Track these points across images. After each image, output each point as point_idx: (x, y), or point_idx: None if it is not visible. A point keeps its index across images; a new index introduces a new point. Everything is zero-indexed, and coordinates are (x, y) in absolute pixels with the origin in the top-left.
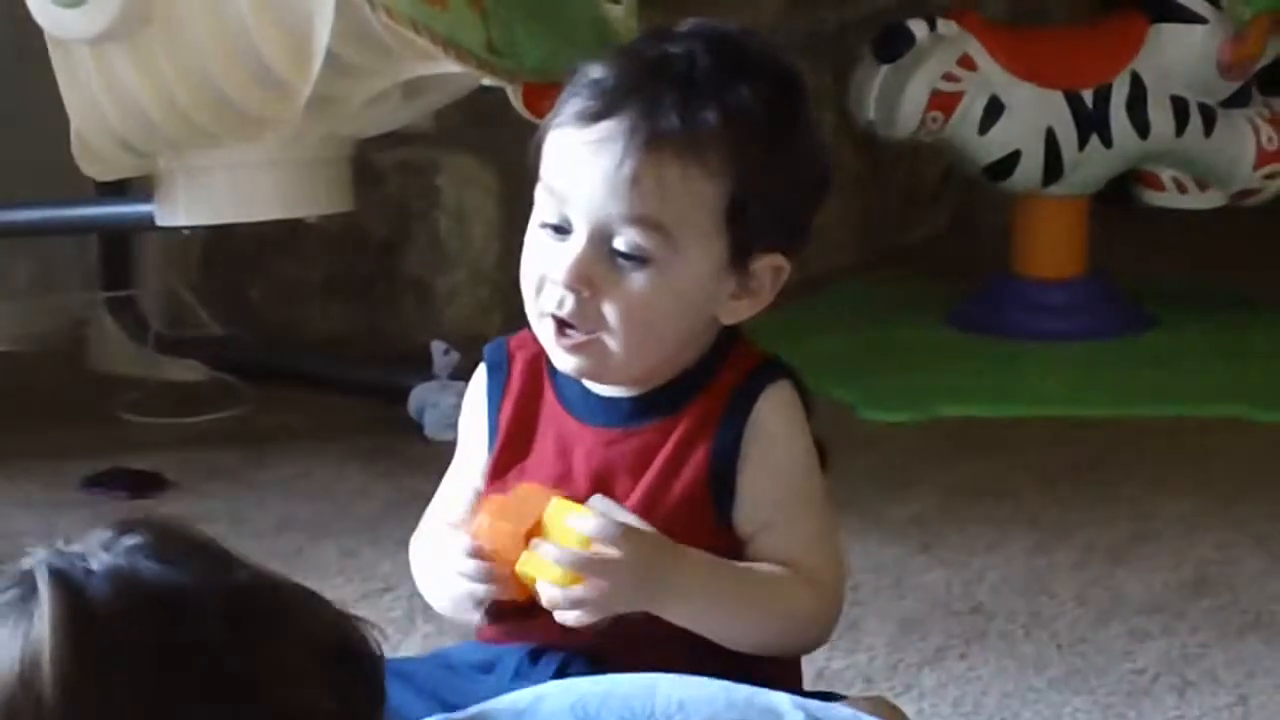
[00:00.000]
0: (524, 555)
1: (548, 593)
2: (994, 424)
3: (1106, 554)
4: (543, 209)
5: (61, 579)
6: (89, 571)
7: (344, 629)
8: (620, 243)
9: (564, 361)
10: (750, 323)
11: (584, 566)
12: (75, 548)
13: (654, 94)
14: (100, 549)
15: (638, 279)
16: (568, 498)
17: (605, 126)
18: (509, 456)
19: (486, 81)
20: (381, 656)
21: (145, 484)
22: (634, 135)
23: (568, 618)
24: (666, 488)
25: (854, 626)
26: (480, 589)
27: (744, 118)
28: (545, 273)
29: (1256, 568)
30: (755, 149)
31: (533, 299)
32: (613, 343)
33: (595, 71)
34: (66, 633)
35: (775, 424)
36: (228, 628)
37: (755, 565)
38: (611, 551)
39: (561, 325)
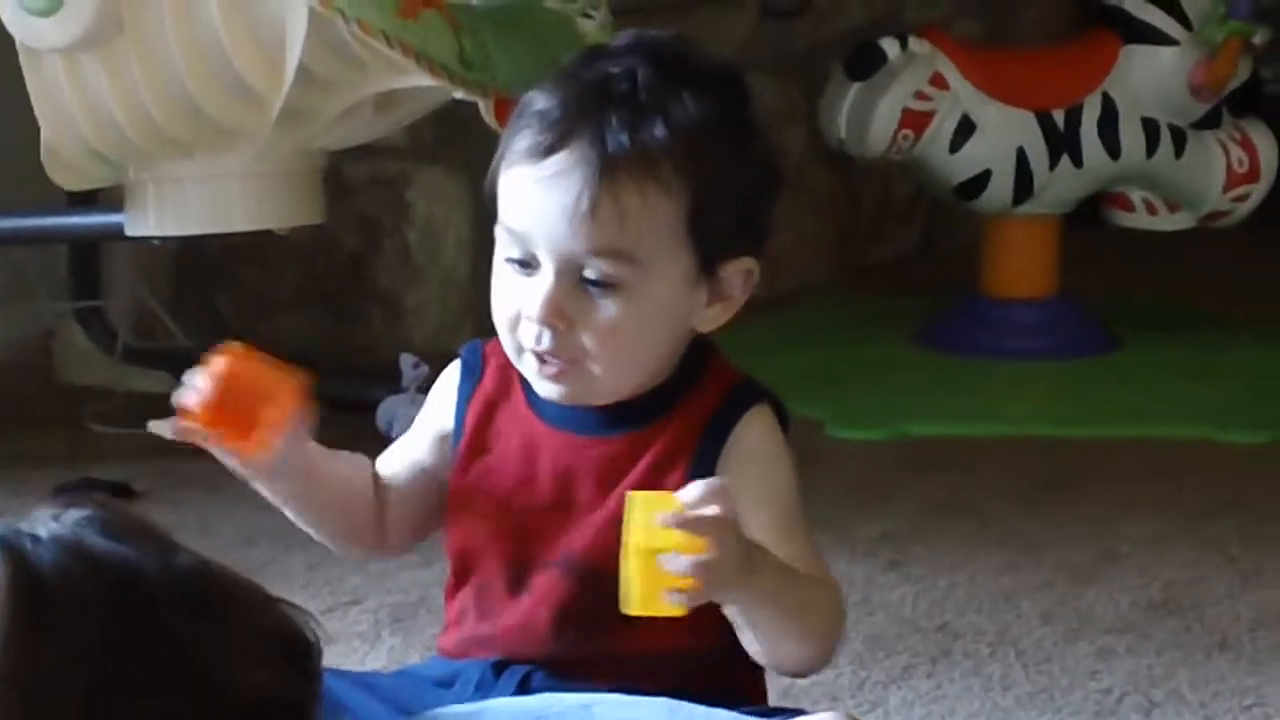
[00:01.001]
0: (639, 535)
1: (678, 563)
2: (962, 443)
3: (1073, 573)
4: (506, 246)
5: (6, 545)
6: (36, 539)
7: (282, 614)
8: (589, 272)
9: (549, 390)
10: (719, 336)
11: (708, 525)
12: (22, 523)
13: (601, 119)
14: (48, 520)
15: (611, 305)
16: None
17: (557, 161)
18: (473, 455)
19: (458, 95)
20: (318, 643)
21: (115, 494)
22: (587, 166)
23: (680, 597)
24: None
25: None
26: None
27: (693, 128)
28: (518, 309)
29: (1223, 588)
30: (708, 158)
31: (508, 335)
32: (596, 368)
33: (540, 102)
34: (11, 594)
35: (758, 448)
36: (171, 600)
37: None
38: (717, 509)
39: (542, 358)
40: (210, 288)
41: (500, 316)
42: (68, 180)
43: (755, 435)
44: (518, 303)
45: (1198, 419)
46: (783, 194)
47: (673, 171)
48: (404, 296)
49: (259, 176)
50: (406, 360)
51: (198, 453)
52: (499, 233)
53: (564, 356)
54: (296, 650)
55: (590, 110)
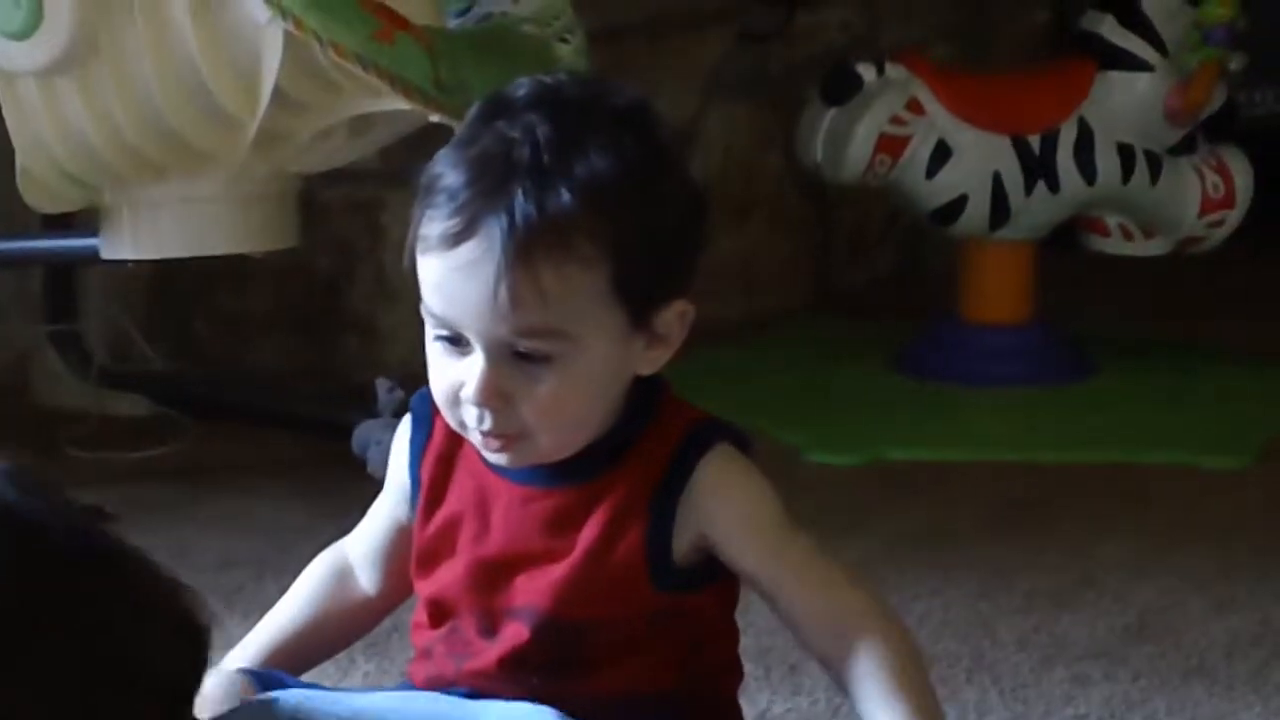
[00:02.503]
0: None
1: None
2: (938, 468)
3: (1049, 599)
4: (434, 327)
5: None
6: None
7: (179, 594)
8: (521, 348)
9: (497, 459)
10: (688, 366)
11: None
12: None
13: (507, 195)
14: None
15: (548, 376)
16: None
17: (469, 249)
18: (431, 508)
19: (434, 118)
20: (209, 628)
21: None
22: (499, 252)
23: None
24: (601, 559)
25: (795, 670)
26: None
27: (603, 186)
28: (455, 389)
29: (1199, 613)
30: (622, 215)
31: (450, 411)
32: (541, 437)
33: (445, 178)
34: None
35: (727, 492)
36: (73, 561)
37: (885, 678)
38: None
39: (486, 435)
40: (186, 311)
41: (439, 393)
42: (42, 203)
43: (720, 481)
44: (453, 381)
45: (1173, 444)
46: (706, 223)
47: (587, 240)
48: (379, 319)
49: (234, 200)
50: (382, 384)
51: (172, 478)
52: (425, 313)
53: (508, 432)
54: (191, 629)
55: (495, 187)
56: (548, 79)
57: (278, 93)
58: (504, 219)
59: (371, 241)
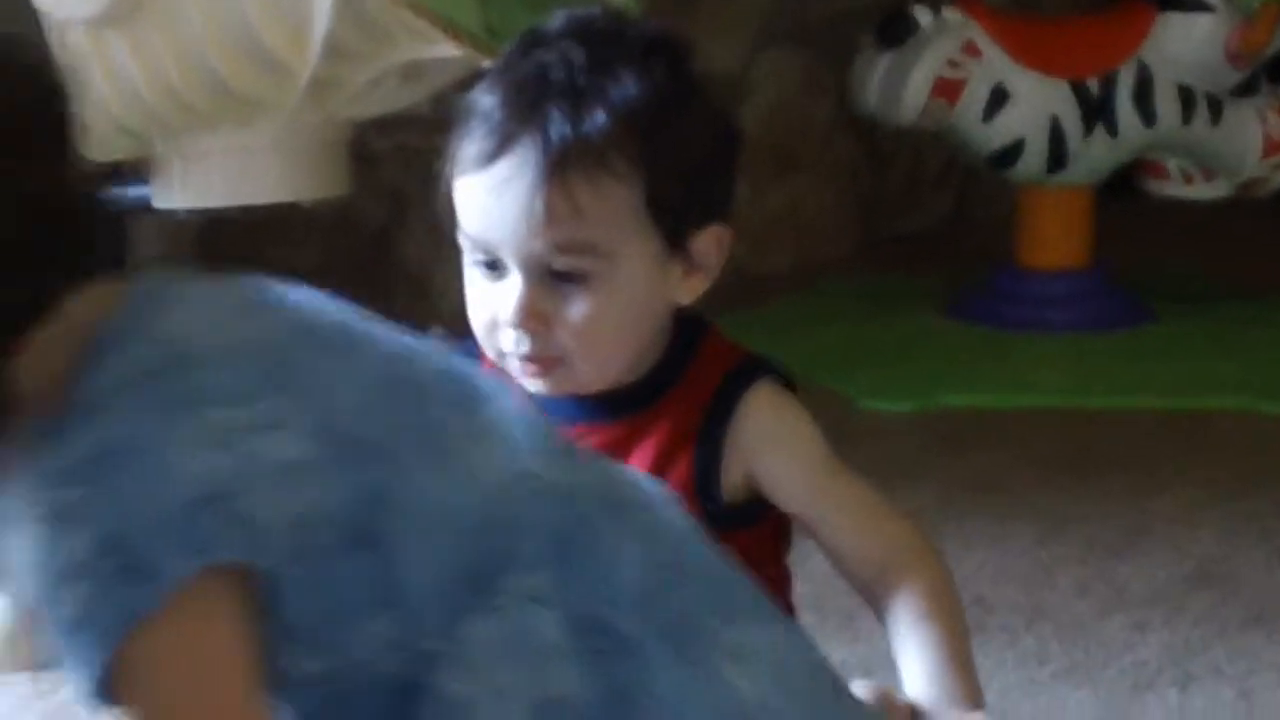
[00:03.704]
0: None
1: None
2: (995, 415)
3: (1108, 547)
4: (471, 252)
5: None
6: None
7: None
8: (557, 267)
9: (536, 387)
10: (723, 319)
11: None
12: None
13: (542, 114)
14: None
15: (584, 298)
16: None
17: (504, 166)
18: None
19: (486, 64)
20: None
21: None
22: (534, 168)
23: None
24: None
25: (852, 618)
26: None
27: (635, 108)
28: (493, 315)
29: (1259, 561)
30: (656, 134)
31: (487, 339)
32: (579, 362)
33: (480, 104)
34: None
35: (771, 428)
36: None
37: (921, 617)
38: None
39: (524, 360)
40: (236, 261)
41: (476, 322)
42: (93, 153)
43: (764, 415)
44: (491, 308)
45: (1233, 391)
46: (740, 152)
47: (622, 158)
48: (431, 270)
49: (284, 149)
50: (436, 334)
51: None
52: (462, 240)
53: (545, 356)
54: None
55: (531, 107)
56: (582, 12)
57: (328, 40)
58: (538, 136)
59: (423, 191)
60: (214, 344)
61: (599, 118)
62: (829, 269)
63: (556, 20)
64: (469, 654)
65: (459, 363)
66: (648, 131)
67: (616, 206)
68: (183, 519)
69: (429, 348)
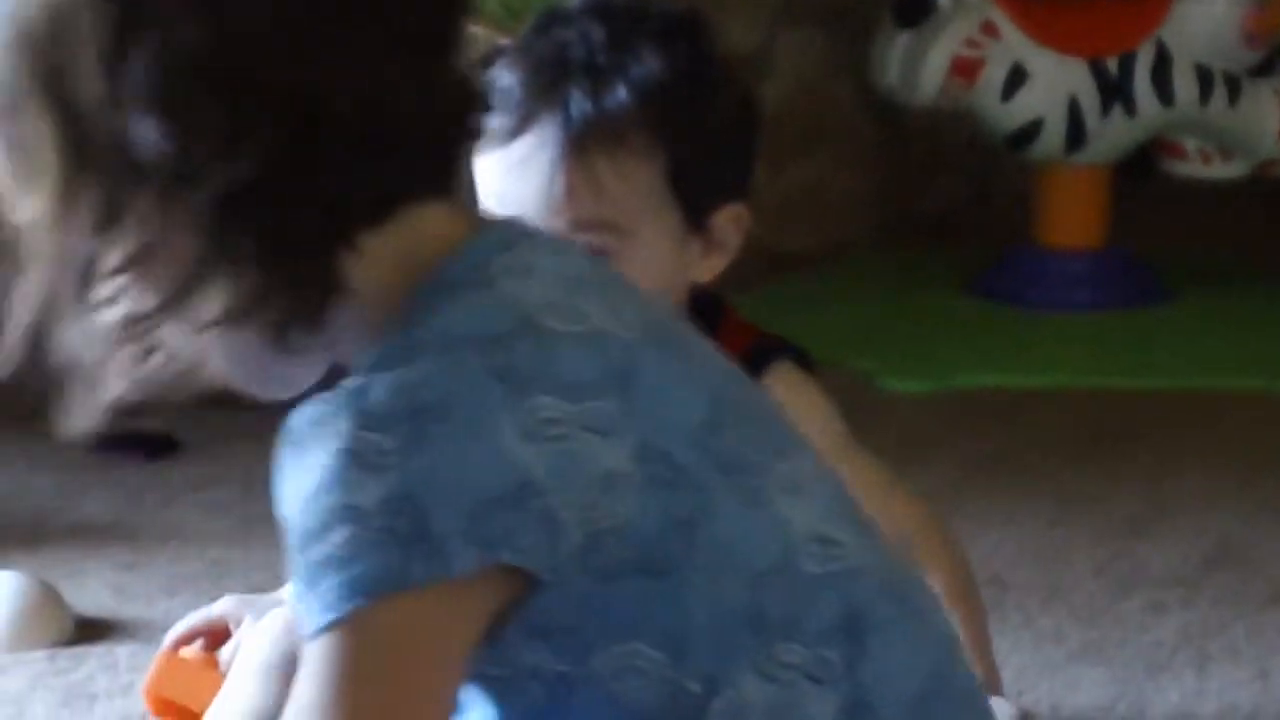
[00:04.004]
0: None
1: None
2: (1012, 394)
3: (1125, 526)
4: None
5: None
6: None
7: None
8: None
9: None
10: (744, 297)
11: None
12: None
13: (562, 91)
14: None
15: None
16: None
17: (525, 143)
18: None
19: (504, 42)
20: None
21: (157, 445)
22: (553, 145)
23: None
24: None
25: None
26: None
27: (656, 85)
28: None
29: (1277, 541)
30: (677, 111)
31: None
32: None
33: (500, 81)
34: None
35: (787, 402)
36: None
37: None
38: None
39: None
40: None
41: None
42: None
43: (781, 395)
44: None
45: (1251, 370)
46: (760, 131)
47: (642, 135)
48: None
49: None
50: None
51: (241, 405)
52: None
53: None
54: None
55: (551, 84)
56: None
57: None
58: (559, 114)
59: None
60: (567, 326)
61: (620, 95)
62: (849, 248)
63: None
64: (736, 708)
65: (767, 399)
66: (668, 109)
67: (637, 184)
68: (487, 506)
69: (743, 373)
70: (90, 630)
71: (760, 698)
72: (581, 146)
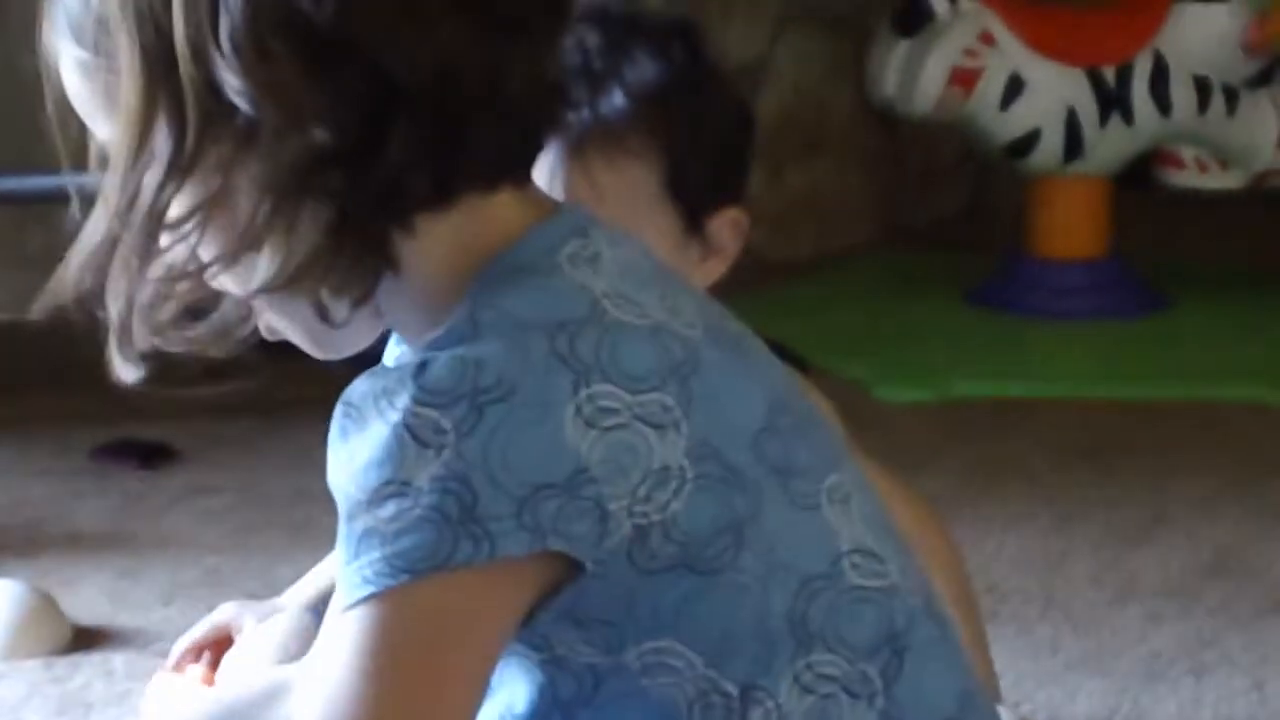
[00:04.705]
0: None
1: None
2: (1010, 403)
3: (1122, 535)
4: None
5: None
6: None
7: None
8: None
9: None
10: (741, 303)
11: None
12: None
13: None
14: None
15: None
16: None
17: None
18: None
19: None
20: None
21: (154, 454)
22: (553, 149)
23: None
24: None
25: None
26: None
27: (653, 89)
28: None
29: (1274, 551)
30: (673, 115)
31: None
32: None
33: None
34: None
35: None
36: None
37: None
38: None
39: None
40: None
41: None
42: None
43: None
44: None
45: (1248, 380)
46: (755, 135)
47: (639, 138)
48: None
49: None
50: None
51: (239, 413)
52: None
53: None
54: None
55: None
56: None
57: None
58: None
59: None
60: (633, 318)
61: (616, 99)
62: (847, 256)
63: None
64: (775, 713)
65: (817, 409)
66: (665, 113)
67: (635, 187)
68: (539, 491)
69: (796, 380)
70: (87, 638)
71: (798, 709)
72: (580, 150)
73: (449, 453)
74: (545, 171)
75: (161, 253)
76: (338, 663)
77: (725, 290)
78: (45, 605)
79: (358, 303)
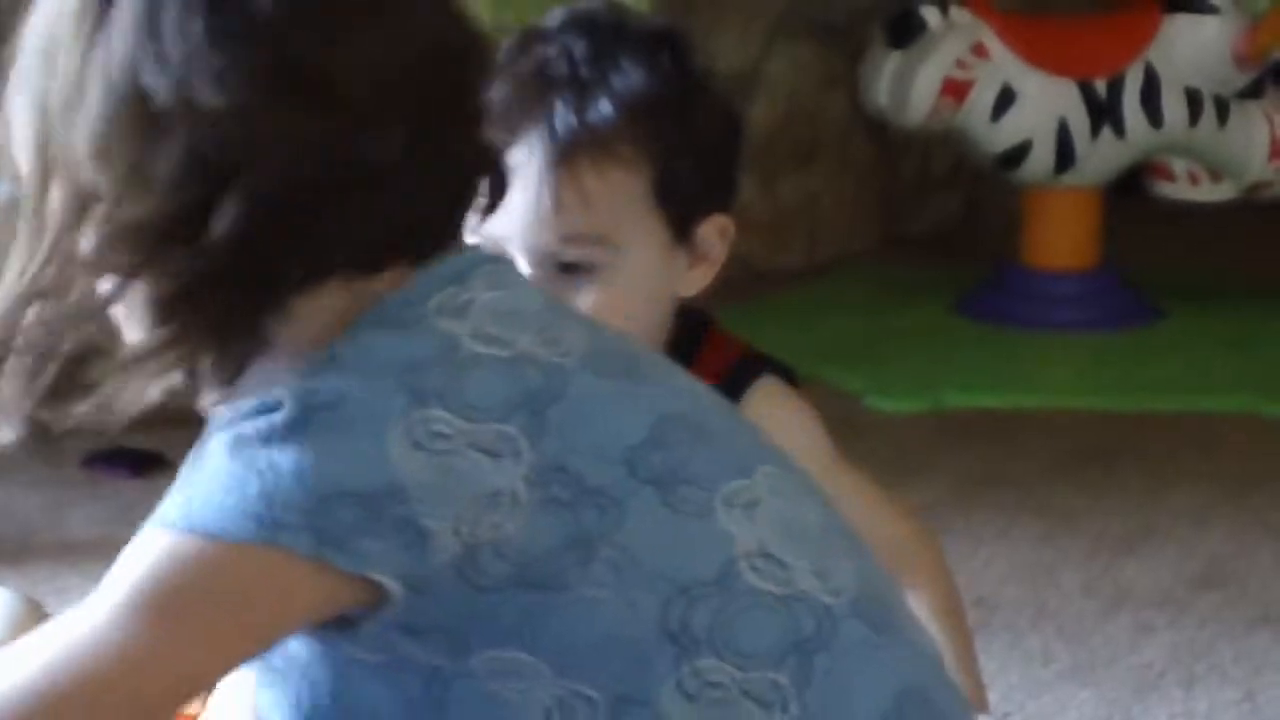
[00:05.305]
0: None
1: None
2: (1002, 413)
3: (1114, 546)
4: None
5: None
6: None
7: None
8: (565, 259)
9: None
10: (733, 312)
11: None
12: None
13: (547, 106)
14: None
15: (593, 289)
16: None
17: (510, 159)
18: None
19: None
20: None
21: (146, 462)
22: (541, 158)
23: None
24: None
25: None
26: None
27: (641, 96)
28: None
29: (1266, 561)
30: (662, 122)
31: None
32: None
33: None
34: None
35: (773, 426)
36: None
37: (926, 619)
38: None
39: None
40: None
41: None
42: None
43: (766, 411)
44: None
45: (1240, 391)
46: (744, 144)
47: (628, 146)
48: None
49: None
50: None
51: None
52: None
53: None
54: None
55: (534, 99)
56: (582, 6)
57: None
58: (544, 128)
59: None
60: (490, 350)
61: (604, 107)
62: (839, 265)
63: (555, 15)
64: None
65: (741, 421)
66: (653, 121)
67: (624, 195)
68: (338, 499)
69: (715, 396)
70: None
71: (682, 715)
72: (568, 159)
73: (273, 446)
74: (533, 179)
75: (52, 296)
76: (122, 578)
77: (717, 299)
78: (35, 614)
79: (222, 376)
